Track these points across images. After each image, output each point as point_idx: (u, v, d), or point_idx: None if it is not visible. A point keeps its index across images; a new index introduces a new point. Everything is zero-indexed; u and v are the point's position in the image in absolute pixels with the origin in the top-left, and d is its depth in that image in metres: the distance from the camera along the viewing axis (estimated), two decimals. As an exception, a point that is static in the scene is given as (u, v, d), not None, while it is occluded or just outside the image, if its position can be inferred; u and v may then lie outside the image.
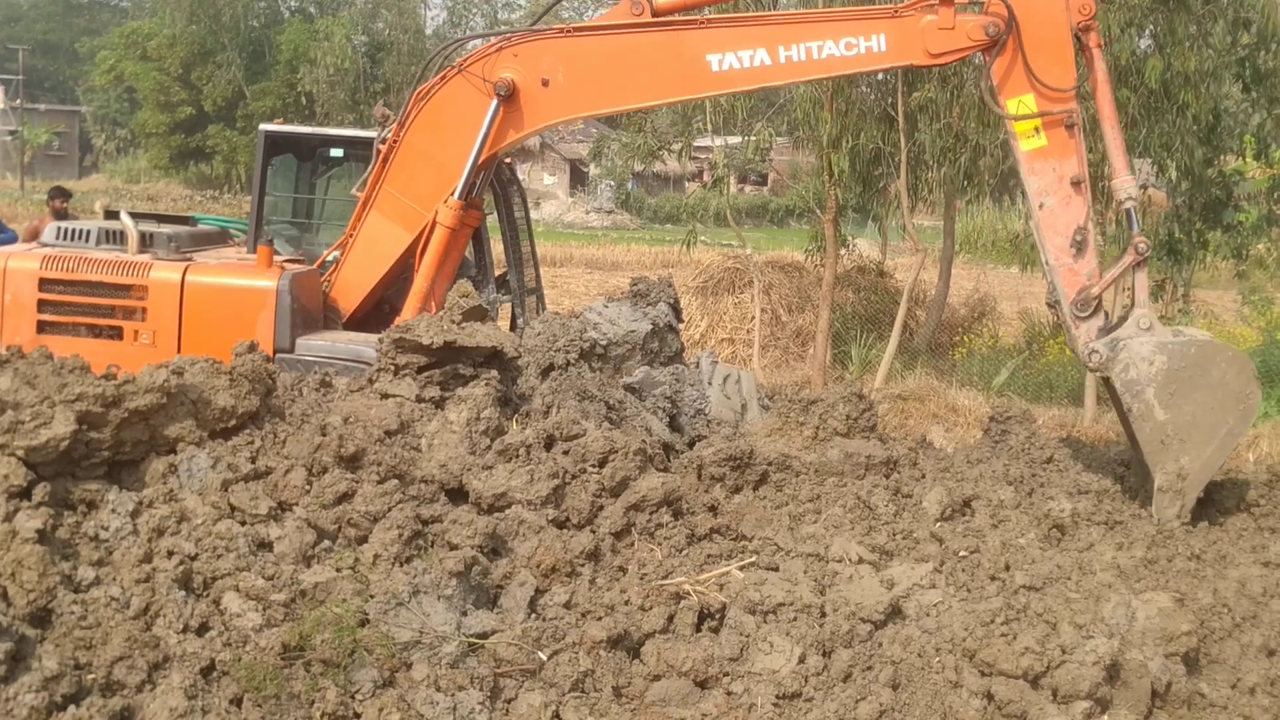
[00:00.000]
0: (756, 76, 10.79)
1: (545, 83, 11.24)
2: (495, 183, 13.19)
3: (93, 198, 41.35)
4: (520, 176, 13.93)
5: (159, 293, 11.41)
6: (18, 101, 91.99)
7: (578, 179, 77.06)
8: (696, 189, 61.16)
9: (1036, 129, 10.06)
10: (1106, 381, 9.85)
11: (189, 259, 11.76)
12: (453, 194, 11.48)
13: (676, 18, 11.06)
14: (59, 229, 12.44)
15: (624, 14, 11.14)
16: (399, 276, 11.96)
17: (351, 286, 12.03)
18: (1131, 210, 10.05)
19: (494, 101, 11.21)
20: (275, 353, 11.01)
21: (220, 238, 13.42)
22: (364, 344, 10.93)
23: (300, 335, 11.19)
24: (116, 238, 12.03)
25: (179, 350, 11.12)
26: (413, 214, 11.72)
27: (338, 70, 67.70)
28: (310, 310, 11.60)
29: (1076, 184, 9.96)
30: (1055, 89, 9.99)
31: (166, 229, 12.44)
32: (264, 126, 13.56)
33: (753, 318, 22.70)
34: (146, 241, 11.94)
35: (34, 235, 14.65)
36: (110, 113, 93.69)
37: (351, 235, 12.01)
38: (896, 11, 10.42)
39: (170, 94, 76.52)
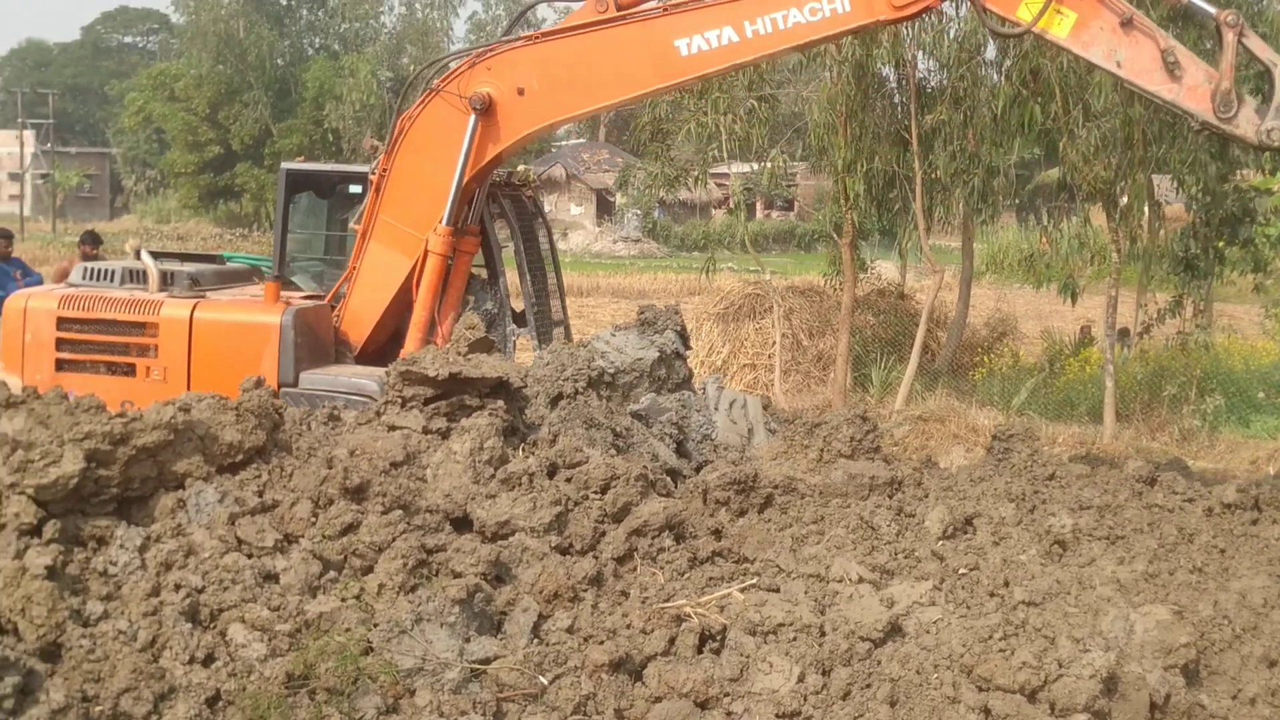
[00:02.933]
0: (726, 55, 10.69)
1: (521, 92, 11.29)
2: (516, 214, 13.28)
3: (123, 238, 41.69)
4: (547, 208, 13.99)
5: (169, 330, 11.64)
6: (48, 145, 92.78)
7: (604, 208, 77.21)
8: (721, 216, 61.29)
9: (1059, 12, 9.72)
10: None
11: (202, 296, 11.92)
12: (441, 220, 11.58)
13: (640, 8, 11.01)
14: (85, 269, 12.68)
15: (589, 13, 11.14)
16: (408, 305, 12.03)
17: (360, 318, 12.15)
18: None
19: (471, 118, 11.28)
20: (280, 387, 11.15)
21: (247, 275, 13.58)
22: (366, 377, 11.10)
23: (304, 369, 11.32)
24: (139, 277, 12.23)
25: (189, 386, 11.32)
26: (410, 240, 11.82)
27: (363, 106, 68.21)
28: (318, 344, 11.73)
29: (1128, 24, 9.56)
30: None
31: (189, 268, 12.66)
32: (285, 165, 13.79)
33: (774, 343, 22.78)
34: (167, 280, 12.13)
35: (62, 276, 14.89)
36: (140, 154, 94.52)
37: (355, 267, 12.13)
38: None
39: (198, 134, 77.30)
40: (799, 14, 10.28)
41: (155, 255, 12.83)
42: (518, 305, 13.27)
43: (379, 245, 11.97)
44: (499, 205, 12.63)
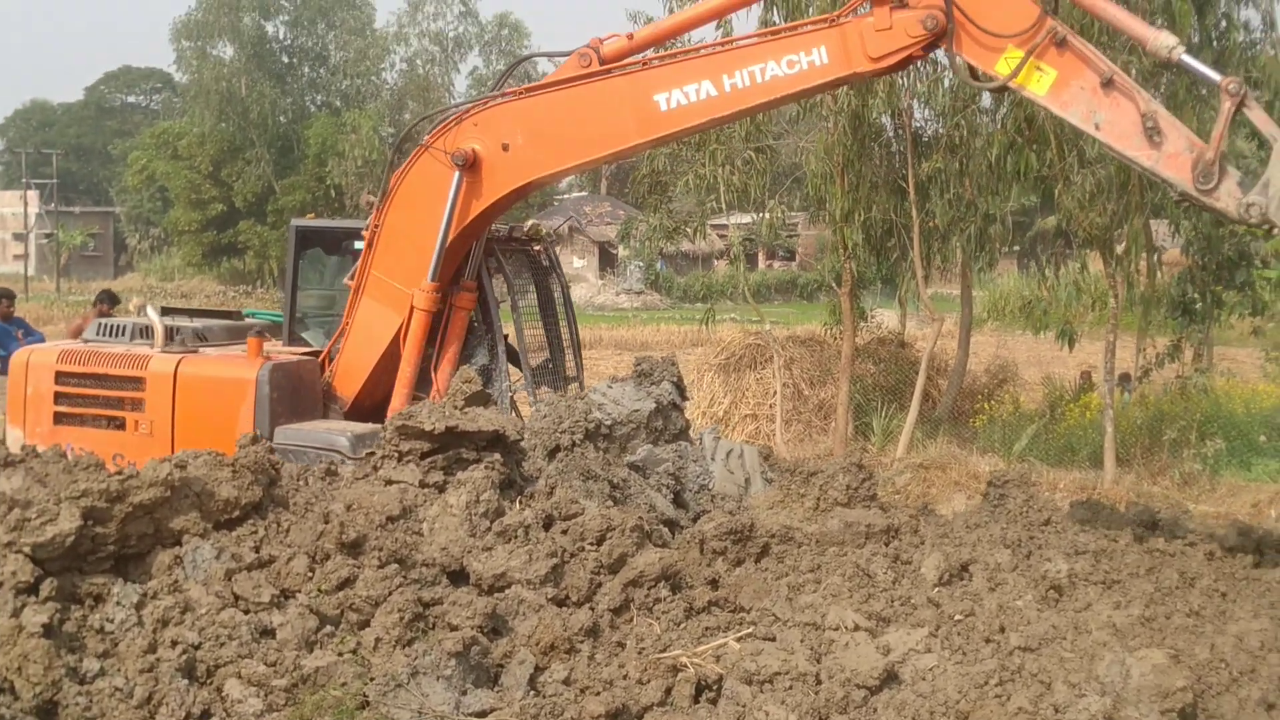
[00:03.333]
0: (706, 110, 10.54)
1: (506, 147, 11.23)
2: (531, 269, 13.33)
3: (128, 297, 41.84)
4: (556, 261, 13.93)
5: (155, 385, 11.79)
6: (52, 205, 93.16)
7: (607, 261, 77.38)
8: (724, 266, 61.40)
9: (1039, 69, 9.40)
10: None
11: (193, 351, 12.05)
12: (426, 276, 11.61)
13: (622, 63, 10.99)
14: (100, 324, 12.97)
15: (573, 67, 11.12)
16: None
17: (351, 373, 12.18)
18: (1185, 58, 9.08)
19: (455, 174, 11.27)
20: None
21: (259, 332, 13.69)
22: (339, 432, 11.13)
23: (282, 424, 11.37)
24: (149, 333, 12.42)
25: (173, 440, 11.46)
26: (400, 296, 11.83)
27: (366, 162, 68.42)
28: (299, 399, 11.81)
29: (1109, 84, 9.19)
30: (1025, 26, 9.36)
31: (197, 323, 12.89)
32: (294, 222, 13.86)
33: (775, 393, 22.80)
34: (172, 336, 12.31)
35: (76, 334, 15.10)
36: (143, 212, 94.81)
37: (348, 323, 12.18)
38: (834, 20, 10.09)
39: (201, 191, 77.57)
40: (777, 67, 10.18)
41: (174, 311, 13.25)
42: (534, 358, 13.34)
43: (371, 301, 12.01)
44: (495, 260, 12.62)
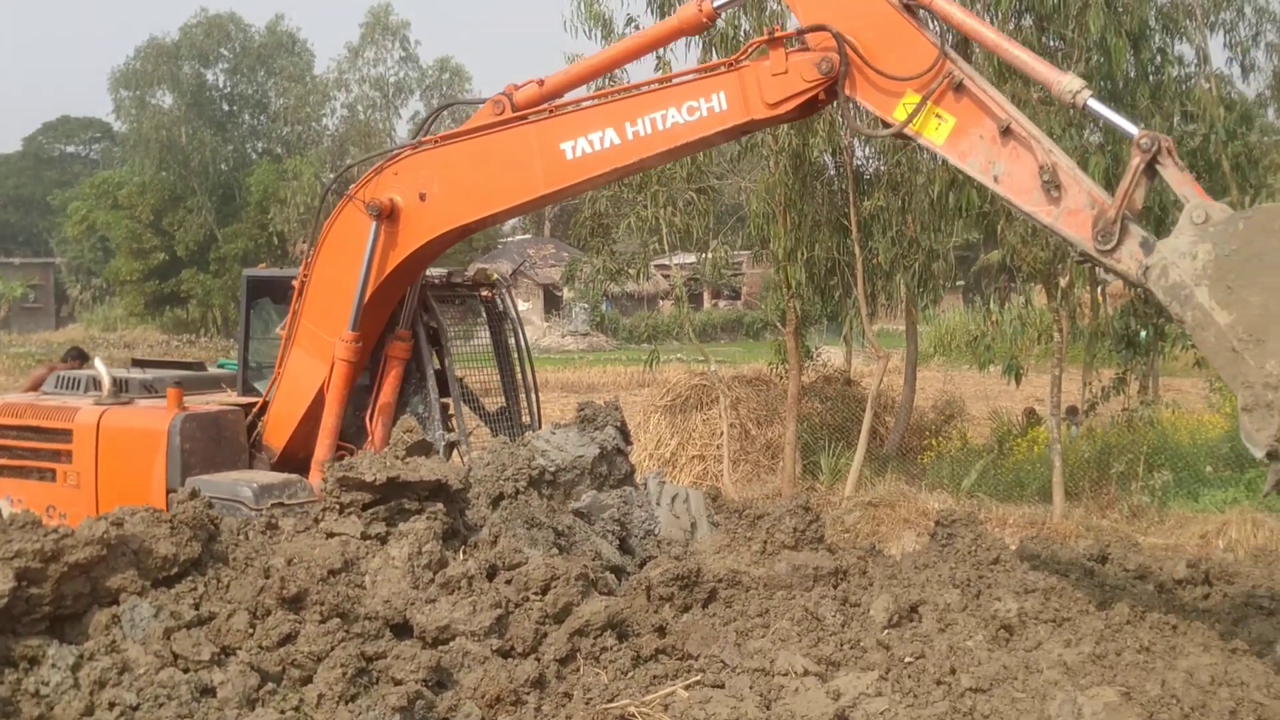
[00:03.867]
0: (610, 159, 10.32)
1: (423, 197, 11.12)
2: (488, 316, 13.31)
3: (66, 348, 41.43)
4: (512, 306, 13.77)
5: (80, 436, 11.88)
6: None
7: (552, 303, 77.37)
8: (669, 307, 61.46)
9: (937, 115, 8.98)
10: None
11: (126, 403, 12.03)
12: (347, 327, 11.54)
13: (532, 110, 10.77)
14: (59, 378, 13.19)
15: (487, 114, 10.98)
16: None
17: (280, 423, 12.10)
18: (1091, 102, 8.48)
19: (372, 225, 11.17)
20: (168, 492, 11.15)
21: (214, 383, 13.65)
22: (245, 483, 11.03)
23: (195, 475, 11.27)
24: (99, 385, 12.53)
25: (96, 491, 11.54)
26: (328, 346, 11.74)
27: (308, 209, 68.14)
28: (217, 450, 11.77)
29: (1007, 133, 8.70)
30: (922, 70, 8.96)
31: (149, 375, 13.02)
32: (246, 272, 13.78)
33: (721, 433, 22.76)
34: (121, 388, 12.41)
35: (35, 386, 15.13)
36: (84, 262, 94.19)
37: (279, 373, 12.09)
38: (733, 64, 9.87)
39: (143, 241, 77.12)
40: (677, 114, 9.96)
41: (147, 364, 13.56)
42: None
43: (300, 351, 11.92)
44: (428, 309, 12.48)
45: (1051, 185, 8.43)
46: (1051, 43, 17.43)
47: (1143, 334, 19.97)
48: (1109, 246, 8.22)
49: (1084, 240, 8.38)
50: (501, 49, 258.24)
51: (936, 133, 8.96)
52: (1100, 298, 20.77)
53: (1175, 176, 8.05)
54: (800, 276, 19.80)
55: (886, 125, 9.31)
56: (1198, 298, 7.68)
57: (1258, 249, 7.53)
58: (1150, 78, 18.48)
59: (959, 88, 8.82)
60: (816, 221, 19.99)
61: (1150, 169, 8.09)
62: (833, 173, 20.75)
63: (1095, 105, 8.45)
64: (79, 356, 19.38)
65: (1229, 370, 7.59)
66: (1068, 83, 8.47)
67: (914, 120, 8.99)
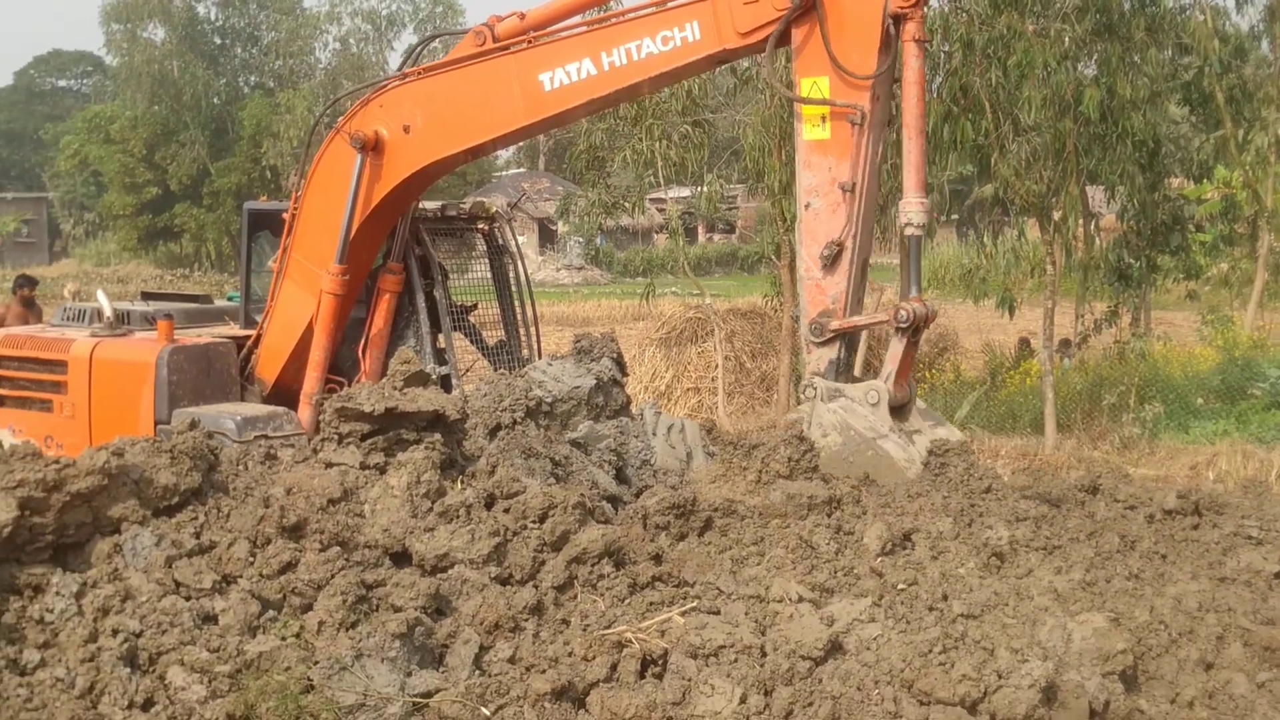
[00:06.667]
0: (587, 90, 10.43)
1: (407, 129, 11.15)
2: (488, 249, 13.39)
3: (62, 282, 41.51)
4: (511, 240, 13.77)
5: (75, 368, 12.02)
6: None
7: (547, 238, 77.23)
8: (664, 241, 61.38)
9: (824, 118, 9.36)
10: None
11: (122, 335, 12.11)
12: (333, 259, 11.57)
13: (512, 40, 10.83)
14: (65, 310, 13.37)
15: (469, 46, 11.04)
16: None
17: (272, 356, 12.19)
18: (915, 242, 9.48)
19: (357, 158, 11.20)
20: (156, 424, 11.26)
21: (217, 315, 13.75)
22: (229, 415, 11.17)
23: (182, 407, 11.35)
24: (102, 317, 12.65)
25: (90, 422, 11.66)
26: (316, 279, 11.79)
27: (301, 143, 67.88)
28: (206, 382, 11.87)
29: (847, 190, 9.32)
30: (852, 75, 9.30)
31: (151, 307, 13.10)
32: (248, 205, 13.81)
33: (717, 366, 22.82)
34: (123, 320, 12.58)
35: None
36: (77, 197, 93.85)
37: (270, 306, 12.12)
38: None
39: (135, 175, 76.82)
40: (652, 44, 10.04)
41: (156, 297, 13.76)
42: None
43: (291, 284, 11.97)
44: (419, 242, 12.48)
45: (830, 260, 9.50)
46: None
47: (1134, 269, 20.05)
48: (816, 339, 9.83)
49: (808, 314, 9.76)
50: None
51: (811, 129, 9.51)
52: (1094, 230, 20.78)
53: (897, 353, 9.86)
54: (796, 209, 19.78)
55: (790, 87, 9.73)
56: (819, 459, 9.63)
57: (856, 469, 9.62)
58: (1146, 9, 18.45)
59: (856, 125, 9.27)
60: (811, 155, 19.92)
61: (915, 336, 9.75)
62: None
63: (914, 250, 9.57)
64: (29, 284, 19.52)
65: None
66: (910, 213, 9.39)
67: (809, 107, 9.47)
